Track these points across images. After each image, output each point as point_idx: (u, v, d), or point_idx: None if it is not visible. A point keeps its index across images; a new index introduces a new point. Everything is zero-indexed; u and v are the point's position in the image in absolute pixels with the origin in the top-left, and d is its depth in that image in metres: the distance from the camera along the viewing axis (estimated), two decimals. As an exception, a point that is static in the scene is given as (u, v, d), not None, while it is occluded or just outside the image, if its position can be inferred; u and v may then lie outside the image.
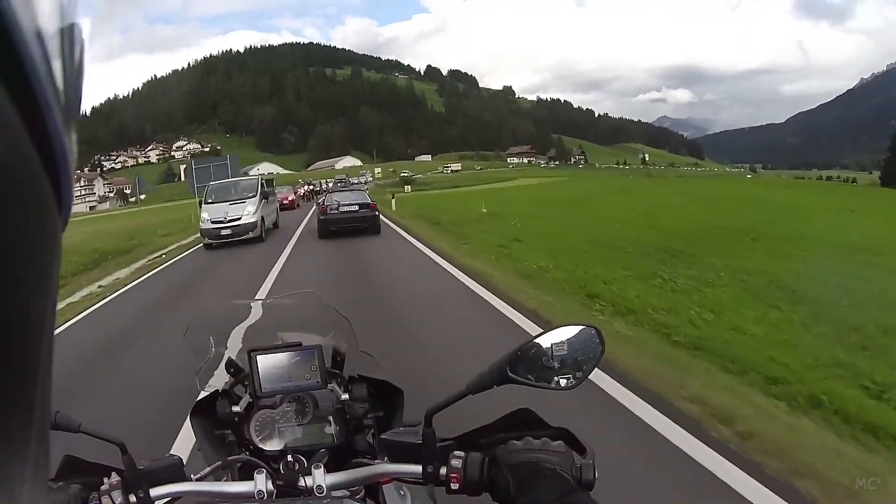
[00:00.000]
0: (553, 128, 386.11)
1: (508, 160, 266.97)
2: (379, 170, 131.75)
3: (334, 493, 1.47)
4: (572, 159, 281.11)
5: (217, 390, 1.77)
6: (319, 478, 1.44)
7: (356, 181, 72.56)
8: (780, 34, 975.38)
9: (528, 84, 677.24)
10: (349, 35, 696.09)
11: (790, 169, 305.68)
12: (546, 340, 1.36)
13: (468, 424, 1.42)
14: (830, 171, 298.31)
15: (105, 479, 1.41)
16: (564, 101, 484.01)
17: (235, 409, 1.71)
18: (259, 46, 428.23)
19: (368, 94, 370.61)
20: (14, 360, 0.31)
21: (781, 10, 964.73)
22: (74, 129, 0.35)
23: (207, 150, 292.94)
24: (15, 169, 0.29)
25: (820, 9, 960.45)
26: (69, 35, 0.34)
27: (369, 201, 19.31)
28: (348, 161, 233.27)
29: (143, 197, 35.19)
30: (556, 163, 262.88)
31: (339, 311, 1.83)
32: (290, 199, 40.10)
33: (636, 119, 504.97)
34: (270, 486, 1.44)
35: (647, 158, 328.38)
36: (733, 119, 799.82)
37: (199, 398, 1.80)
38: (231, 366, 1.81)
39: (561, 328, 1.39)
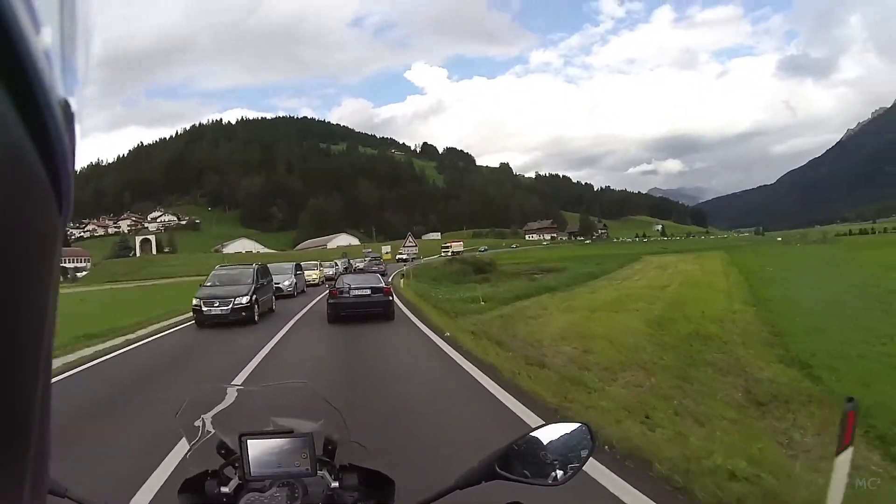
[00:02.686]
0: (558, 203, 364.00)
1: (527, 237, 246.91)
2: (388, 248, 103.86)
3: None
4: (594, 234, 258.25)
5: (207, 470, 1.77)
6: None
7: (360, 264, 59.48)
8: (765, 96, 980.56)
9: (522, 163, 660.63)
10: (345, 115, 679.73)
11: (791, 228, 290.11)
12: (536, 437, 1.38)
13: None
14: (834, 226, 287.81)
15: None
16: (563, 176, 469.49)
17: (224, 489, 1.71)
18: (252, 119, 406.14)
19: (366, 167, 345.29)
20: (13, 360, 0.31)
21: (766, 73, 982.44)
22: (76, 128, 0.35)
23: (184, 222, 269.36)
24: (15, 169, 0.30)
25: (804, 66, 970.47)
26: (70, 34, 0.34)
27: (382, 285, 18.95)
28: (343, 239, 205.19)
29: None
30: (581, 238, 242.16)
31: (329, 401, 1.83)
32: None
33: (636, 191, 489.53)
34: None
35: (664, 230, 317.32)
36: (724, 185, 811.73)
37: (188, 476, 1.80)
38: (222, 447, 1.80)
39: (552, 425, 1.41)
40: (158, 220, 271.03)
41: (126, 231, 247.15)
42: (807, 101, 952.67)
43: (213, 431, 1.82)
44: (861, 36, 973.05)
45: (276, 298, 23.54)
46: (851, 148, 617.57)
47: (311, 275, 38.90)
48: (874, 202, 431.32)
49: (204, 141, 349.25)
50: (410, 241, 38.83)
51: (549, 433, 1.40)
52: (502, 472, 1.35)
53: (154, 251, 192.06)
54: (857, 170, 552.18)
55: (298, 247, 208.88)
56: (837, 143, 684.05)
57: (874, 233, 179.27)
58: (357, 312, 17.73)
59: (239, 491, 1.70)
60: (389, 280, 25.98)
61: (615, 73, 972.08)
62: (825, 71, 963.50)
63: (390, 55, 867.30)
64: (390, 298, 18.70)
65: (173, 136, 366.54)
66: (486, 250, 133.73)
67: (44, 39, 0.31)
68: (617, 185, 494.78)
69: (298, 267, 33.34)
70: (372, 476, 1.79)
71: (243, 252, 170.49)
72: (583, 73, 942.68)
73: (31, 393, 0.34)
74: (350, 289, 18.30)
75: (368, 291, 18.28)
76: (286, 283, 29.29)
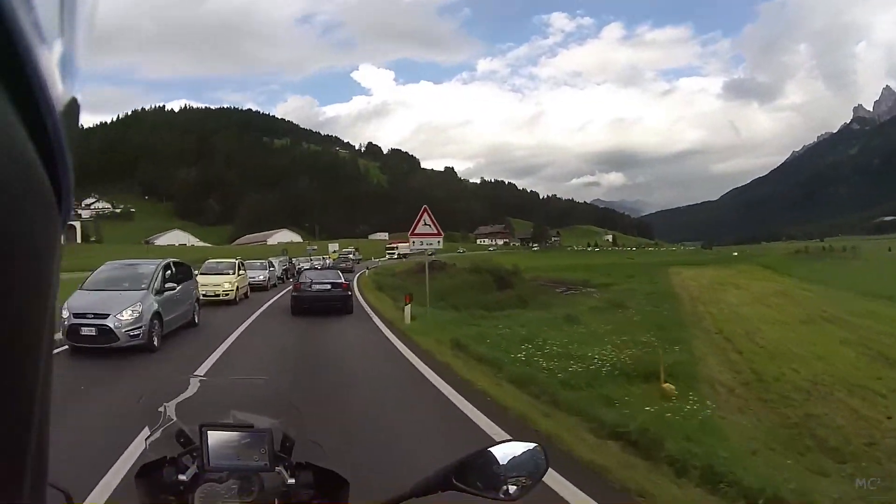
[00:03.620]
0: (503, 209, 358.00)
1: (478, 241, 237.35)
2: (335, 246, 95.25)
3: None
4: (547, 242, 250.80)
5: (165, 457, 1.77)
6: None
7: (305, 264, 48.65)
8: (710, 116, 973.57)
9: (465, 168, 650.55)
10: (290, 111, 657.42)
11: (734, 244, 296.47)
12: (493, 452, 1.39)
13: None
14: (779, 243, 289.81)
15: None
16: (508, 182, 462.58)
17: (182, 477, 1.70)
18: (195, 108, 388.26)
19: (308, 164, 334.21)
20: (14, 359, 0.31)
21: (711, 93, 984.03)
22: (75, 128, 0.36)
23: (119, 211, 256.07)
24: (15, 169, 0.29)
25: (750, 90, 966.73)
26: (70, 35, 0.34)
27: (342, 280, 20.34)
28: (285, 236, 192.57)
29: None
30: (535, 245, 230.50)
31: (291, 399, 1.85)
32: None
33: (581, 201, 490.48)
34: None
35: (615, 240, 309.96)
36: (665, 199, 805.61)
37: (146, 461, 1.80)
38: (182, 436, 1.80)
39: (508, 443, 1.43)
40: (93, 206, 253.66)
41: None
42: (752, 122, 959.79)
43: (174, 420, 1.81)
44: (808, 63, 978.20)
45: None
46: (795, 169, 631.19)
47: (222, 284, 23.25)
48: (815, 221, 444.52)
49: (143, 127, 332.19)
50: (427, 222, 18.98)
51: (505, 450, 1.41)
52: (458, 484, 1.35)
53: (78, 240, 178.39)
54: (800, 190, 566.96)
55: (236, 242, 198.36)
56: (782, 164, 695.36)
57: (843, 250, 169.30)
58: (318, 306, 18.87)
59: (196, 480, 1.70)
60: (367, 306, 22.95)
61: (561, 84, 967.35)
62: (771, 95, 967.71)
63: (337, 55, 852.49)
64: (349, 293, 20.31)
65: (113, 120, 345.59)
66: (433, 254, 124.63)
67: (45, 41, 0.30)
68: (559, 195, 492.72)
69: (177, 270, 15.41)
70: (327, 475, 1.79)
71: (176, 245, 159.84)
72: (528, 83, 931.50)
73: (32, 392, 0.34)
74: (312, 283, 19.70)
75: (329, 286, 19.61)
76: (126, 314, 12.13)
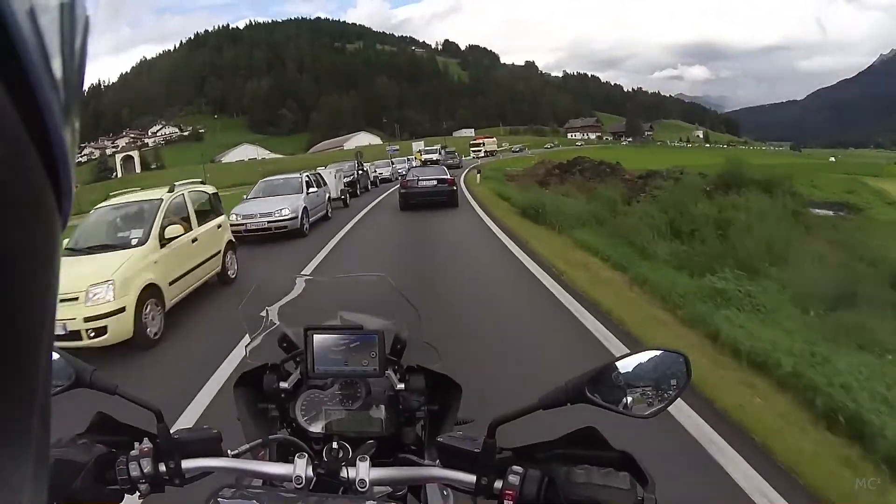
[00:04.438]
0: (589, 103, 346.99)
1: (569, 135, 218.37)
2: (420, 145, 79.95)
3: (376, 489, 1.37)
4: (641, 136, 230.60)
5: (266, 364, 1.70)
6: (363, 471, 1.34)
7: (384, 171, 44.15)
8: (795, 10, 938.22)
9: (544, 63, 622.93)
10: (361, 17, 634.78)
11: (822, 147, 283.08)
12: (628, 363, 1.29)
13: (524, 428, 1.33)
14: (868, 150, 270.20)
15: (136, 444, 1.33)
16: (592, 76, 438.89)
17: (283, 384, 1.64)
18: (261, 22, 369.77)
19: (385, 64, 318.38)
20: (15, 359, 0.31)
21: None
22: (75, 127, 0.35)
23: (187, 133, 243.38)
24: (15, 169, 0.29)
25: None
26: (69, 33, 0.34)
27: (448, 176, 20.93)
28: (363, 139, 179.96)
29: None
30: (629, 140, 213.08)
31: (408, 298, 1.73)
32: None
33: (667, 95, 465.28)
34: (310, 473, 1.34)
35: (707, 136, 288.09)
36: (748, 97, 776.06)
37: (246, 370, 1.73)
38: (285, 341, 1.75)
39: (646, 351, 1.32)
40: (159, 133, 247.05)
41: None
42: (837, 20, 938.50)
43: (277, 324, 1.76)
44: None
45: None
46: (883, 73, 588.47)
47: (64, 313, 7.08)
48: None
49: (208, 48, 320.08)
50: None
51: (641, 359, 1.29)
52: (590, 396, 1.25)
53: (138, 169, 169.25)
54: (891, 96, 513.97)
55: (312, 149, 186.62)
56: (869, 66, 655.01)
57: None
58: (425, 200, 19.92)
59: (298, 387, 1.64)
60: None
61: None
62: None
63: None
64: (454, 188, 20.90)
65: (175, 46, 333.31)
66: (521, 149, 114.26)
67: (43, 38, 0.30)
68: (644, 88, 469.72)
69: None
70: (439, 379, 1.70)
71: (246, 160, 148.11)
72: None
73: (32, 393, 0.34)
74: (419, 180, 20.69)
75: (435, 182, 20.43)
76: None
